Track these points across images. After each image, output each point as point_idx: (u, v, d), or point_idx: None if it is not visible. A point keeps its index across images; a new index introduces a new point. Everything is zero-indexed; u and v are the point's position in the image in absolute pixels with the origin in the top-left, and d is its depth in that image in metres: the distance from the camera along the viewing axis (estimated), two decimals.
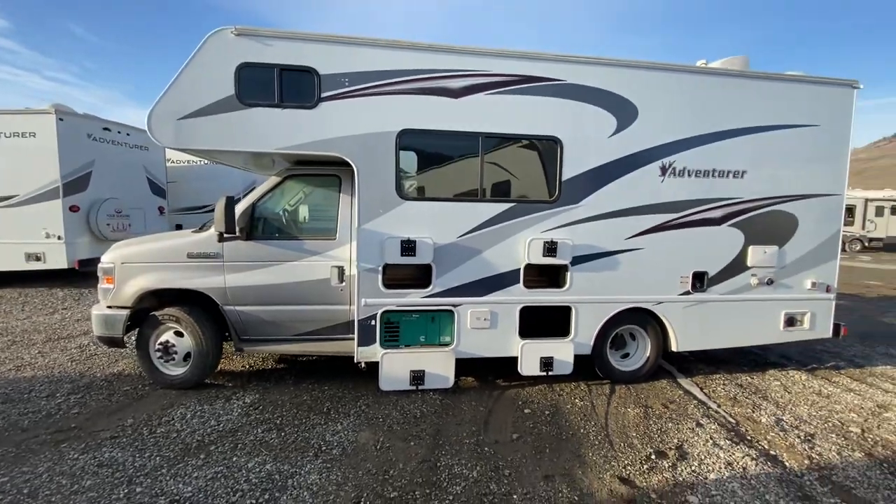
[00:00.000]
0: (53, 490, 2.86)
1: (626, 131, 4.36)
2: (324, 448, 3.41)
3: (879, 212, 21.82)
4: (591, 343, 4.57)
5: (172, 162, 11.93)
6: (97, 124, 9.33)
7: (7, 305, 7.64)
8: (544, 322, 4.52)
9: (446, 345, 4.38)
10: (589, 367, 4.73)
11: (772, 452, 3.52)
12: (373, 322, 4.23)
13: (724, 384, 4.86)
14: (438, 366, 4.33)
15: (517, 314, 4.41)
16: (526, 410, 4.13)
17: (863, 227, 21.56)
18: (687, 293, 4.64)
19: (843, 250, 18.69)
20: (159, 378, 4.36)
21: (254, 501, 2.78)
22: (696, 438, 3.70)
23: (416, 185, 4.50)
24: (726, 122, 4.51)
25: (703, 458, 3.42)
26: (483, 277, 4.32)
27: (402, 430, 3.71)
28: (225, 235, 4.08)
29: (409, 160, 4.39)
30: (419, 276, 4.33)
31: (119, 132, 9.80)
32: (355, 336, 4.24)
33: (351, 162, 4.03)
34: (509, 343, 4.46)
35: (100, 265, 4.30)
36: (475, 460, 3.32)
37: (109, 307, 4.25)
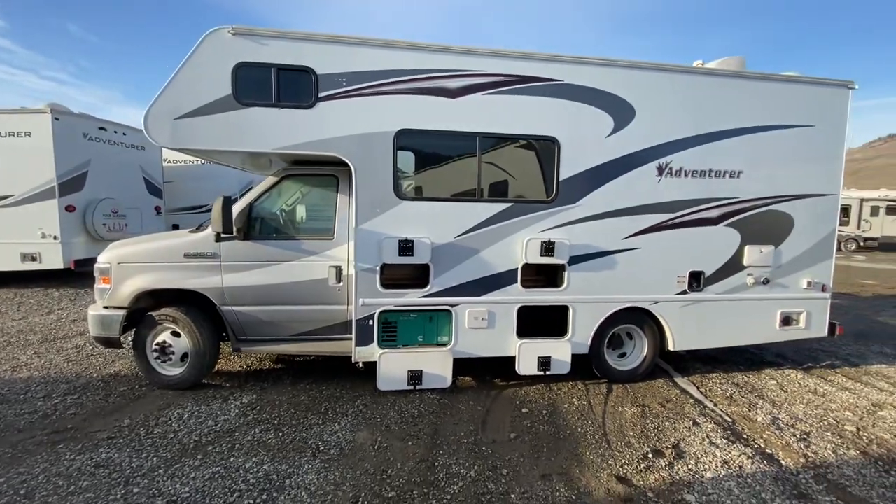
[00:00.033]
0: (50, 491, 2.85)
1: (623, 131, 4.38)
2: (322, 448, 3.41)
3: (874, 212, 21.94)
4: (589, 342, 4.58)
5: (169, 162, 11.88)
6: (93, 124, 9.29)
7: (3, 306, 7.60)
8: (542, 322, 4.53)
9: (444, 345, 4.39)
10: (586, 366, 4.74)
11: (768, 451, 3.54)
12: (370, 322, 4.22)
13: (720, 383, 4.88)
14: (436, 366, 4.34)
15: (515, 314, 4.42)
16: (524, 410, 4.14)
17: (858, 227, 21.69)
18: (683, 293, 4.65)
19: (839, 250, 18.80)
20: (156, 378, 4.35)
21: (251, 502, 2.78)
22: (692, 437, 3.72)
23: (413, 185, 4.50)
24: (723, 122, 4.53)
25: (699, 456, 3.43)
26: (481, 277, 4.33)
27: (399, 430, 3.72)
28: (222, 235, 4.08)
29: (407, 160, 4.39)
30: (417, 276, 4.33)
31: (115, 132, 9.76)
32: (353, 336, 4.23)
33: (348, 162, 4.03)
34: (507, 343, 4.46)
35: (96, 265, 4.29)
36: (473, 460, 3.32)
37: (106, 307, 4.24)
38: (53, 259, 8.51)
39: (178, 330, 4.26)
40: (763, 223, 4.70)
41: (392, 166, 4.09)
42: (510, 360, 4.49)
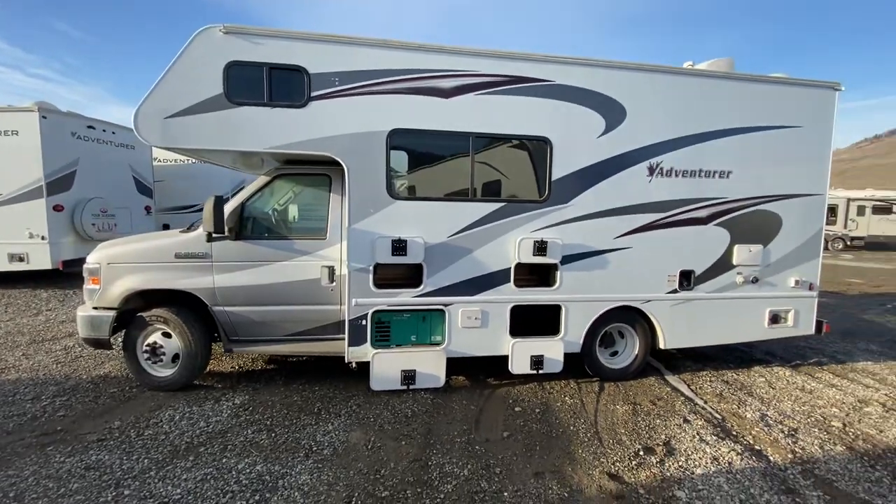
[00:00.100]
0: (40, 493, 2.82)
1: (614, 132, 4.41)
2: (315, 448, 3.40)
3: (861, 211, 22.28)
4: (581, 341, 4.61)
5: (159, 161, 11.77)
6: (81, 122, 9.17)
7: None
8: (535, 321, 4.55)
9: (437, 344, 4.40)
10: (579, 365, 4.78)
11: (756, 447, 3.59)
12: (363, 322, 4.22)
13: (710, 381, 4.94)
14: (429, 365, 4.34)
15: (508, 313, 4.44)
16: (517, 409, 4.16)
17: (845, 227, 22.02)
18: (674, 291, 4.70)
19: (826, 249, 19.08)
20: (147, 380, 4.31)
21: (244, 502, 2.77)
22: (683, 434, 3.76)
23: (406, 185, 4.50)
24: (712, 122, 4.58)
25: (689, 453, 3.48)
26: (474, 277, 4.34)
27: (393, 430, 3.72)
28: (213, 235, 4.05)
29: (400, 160, 4.39)
30: (410, 276, 4.33)
31: (104, 130, 9.64)
32: (346, 336, 4.23)
33: (341, 161, 4.02)
34: (500, 342, 4.48)
35: (85, 266, 4.24)
36: (466, 459, 3.34)
37: (95, 308, 4.19)
38: (41, 259, 8.40)
39: (168, 331, 4.23)
40: (752, 223, 4.76)
41: (385, 166, 4.09)
42: (503, 360, 4.51)
